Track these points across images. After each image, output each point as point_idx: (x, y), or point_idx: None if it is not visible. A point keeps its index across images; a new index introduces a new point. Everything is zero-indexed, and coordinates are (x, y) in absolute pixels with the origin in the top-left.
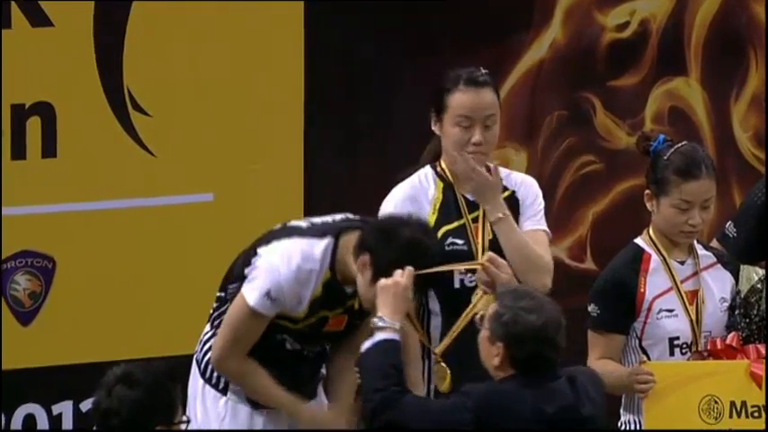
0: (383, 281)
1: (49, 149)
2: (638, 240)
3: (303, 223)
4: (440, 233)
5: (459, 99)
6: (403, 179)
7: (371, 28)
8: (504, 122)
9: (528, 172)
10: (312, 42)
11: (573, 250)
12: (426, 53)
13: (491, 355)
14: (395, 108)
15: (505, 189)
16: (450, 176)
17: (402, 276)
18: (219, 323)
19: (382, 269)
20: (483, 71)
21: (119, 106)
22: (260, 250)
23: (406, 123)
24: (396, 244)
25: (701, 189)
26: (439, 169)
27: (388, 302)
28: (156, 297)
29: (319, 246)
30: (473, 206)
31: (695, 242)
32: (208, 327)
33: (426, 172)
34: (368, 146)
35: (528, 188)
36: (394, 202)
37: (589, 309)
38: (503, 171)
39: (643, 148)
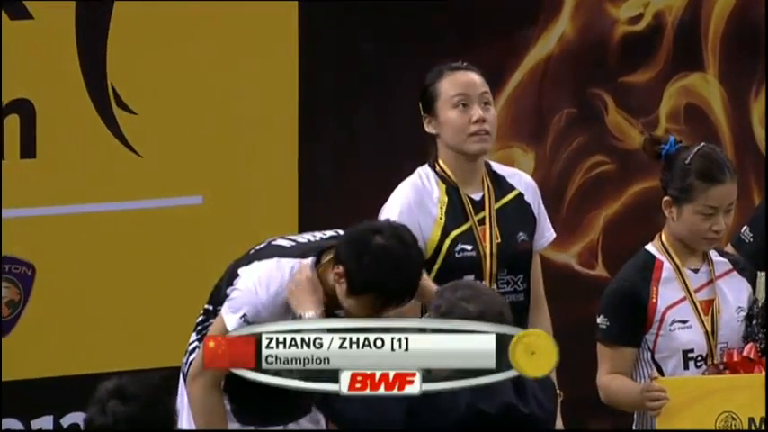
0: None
1: (27, 149)
2: (649, 247)
3: (287, 242)
4: (449, 239)
5: (450, 81)
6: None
7: (369, 25)
8: (510, 121)
9: (536, 173)
10: (307, 39)
11: (583, 256)
12: (427, 50)
13: None
14: (394, 109)
15: (512, 189)
16: (452, 177)
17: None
18: (205, 334)
19: (356, 280)
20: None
21: (102, 104)
22: (240, 271)
23: (406, 125)
24: (367, 255)
25: (727, 193)
26: (438, 169)
27: (300, 299)
28: (143, 306)
29: (286, 267)
30: (479, 207)
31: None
32: (193, 335)
33: (426, 172)
34: (365, 147)
35: (534, 192)
36: (399, 209)
37: (598, 320)
38: (504, 169)
39: (653, 152)
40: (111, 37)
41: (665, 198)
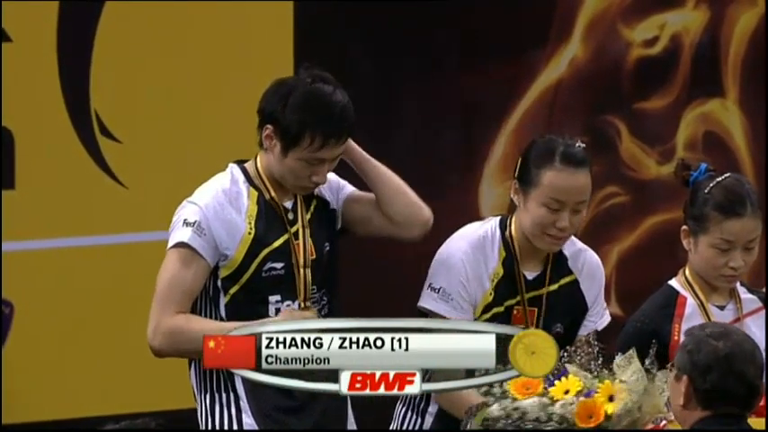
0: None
1: (6, 180)
2: (673, 282)
3: None
4: (489, 314)
5: (554, 179)
6: None
7: (368, 45)
8: (516, 151)
9: None
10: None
11: None
12: (429, 71)
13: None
14: (394, 135)
15: (569, 273)
16: (517, 249)
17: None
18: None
19: (288, 133)
20: (581, 144)
21: (85, 131)
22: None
23: (407, 151)
24: (293, 96)
25: (745, 229)
26: (507, 234)
27: None
28: (129, 346)
29: (224, 173)
30: (530, 287)
31: (738, 284)
32: None
33: (494, 232)
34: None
35: (592, 277)
36: (463, 251)
37: (616, 359)
38: (571, 248)
39: (683, 178)
40: (94, 60)
41: (683, 227)
